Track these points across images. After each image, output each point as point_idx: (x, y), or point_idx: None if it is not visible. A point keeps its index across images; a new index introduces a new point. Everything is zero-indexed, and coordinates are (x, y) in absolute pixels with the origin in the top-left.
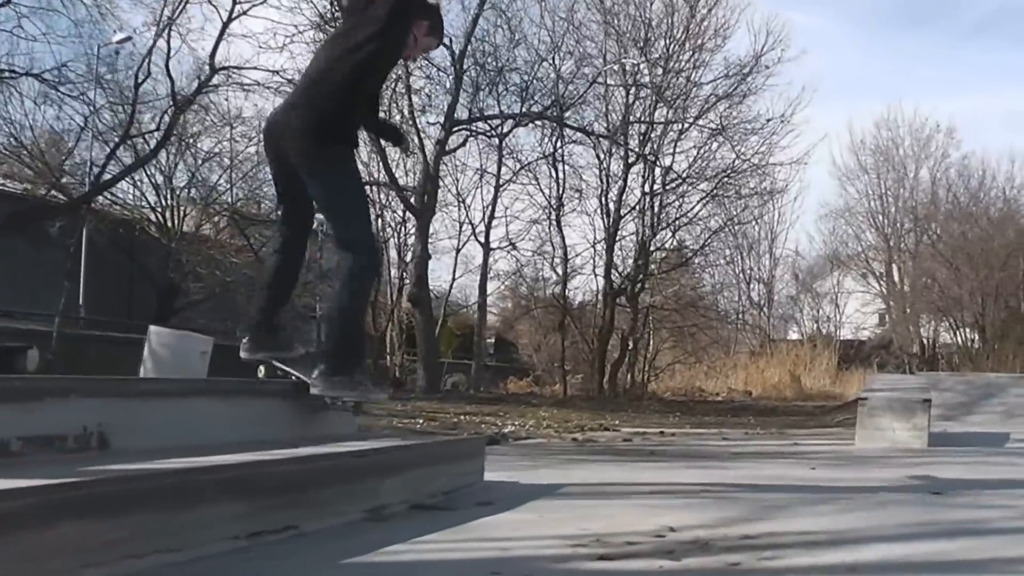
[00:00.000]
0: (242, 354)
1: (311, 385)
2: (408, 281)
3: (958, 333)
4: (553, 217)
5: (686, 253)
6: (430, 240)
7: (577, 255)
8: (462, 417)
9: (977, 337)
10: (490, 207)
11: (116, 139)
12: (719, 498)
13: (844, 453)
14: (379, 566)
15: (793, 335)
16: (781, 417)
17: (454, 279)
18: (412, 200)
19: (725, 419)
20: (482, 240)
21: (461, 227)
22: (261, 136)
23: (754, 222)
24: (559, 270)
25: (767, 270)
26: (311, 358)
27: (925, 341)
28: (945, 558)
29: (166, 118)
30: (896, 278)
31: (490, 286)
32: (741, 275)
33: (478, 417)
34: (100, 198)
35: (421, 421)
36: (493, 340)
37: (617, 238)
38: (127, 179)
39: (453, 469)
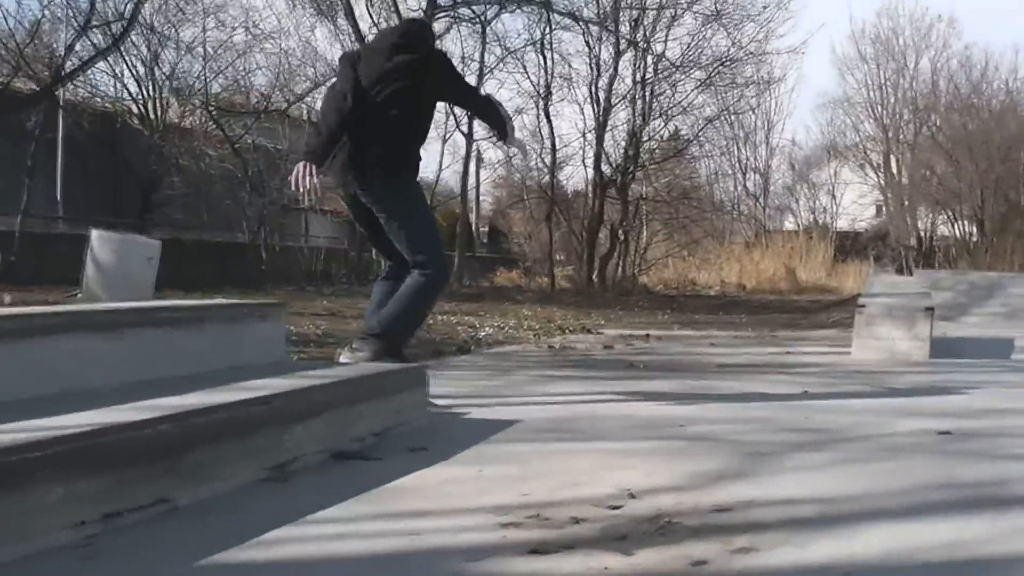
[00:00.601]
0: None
1: (342, 355)
2: None
3: (956, 226)
4: (541, 106)
5: (679, 143)
6: None
7: (566, 145)
8: (439, 317)
9: (975, 230)
10: None
11: (92, 27)
12: (694, 439)
13: (840, 366)
14: (242, 569)
15: (789, 225)
16: (774, 314)
17: (441, 169)
18: None
19: (716, 317)
20: (465, 131)
21: (447, 117)
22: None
23: (751, 112)
24: (547, 160)
25: (763, 160)
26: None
27: (922, 234)
28: (963, 553)
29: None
30: (894, 169)
31: (481, 175)
32: (737, 165)
33: (456, 317)
34: (81, 91)
35: None
36: (487, 229)
37: (608, 127)
38: (107, 71)
39: (387, 406)
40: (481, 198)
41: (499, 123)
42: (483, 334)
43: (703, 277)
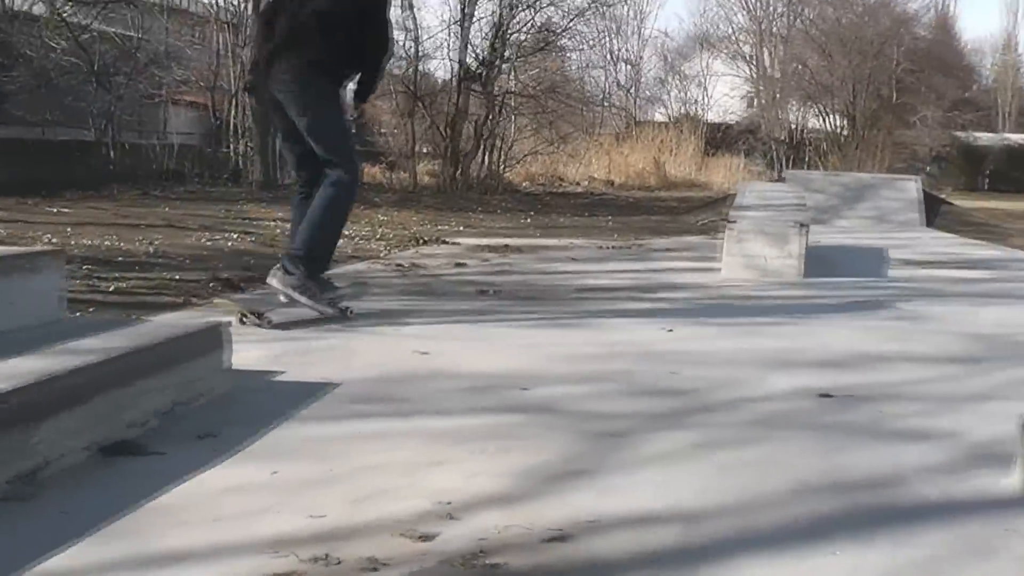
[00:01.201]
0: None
1: (270, 275)
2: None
3: (827, 121)
4: None
5: (548, 35)
6: None
7: (430, 37)
8: (288, 225)
9: (846, 125)
10: None
11: None
12: (536, 410)
13: (709, 289)
14: None
15: (660, 118)
16: (642, 216)
17: None
18: None
19: (581, 220)
20: None
21: None
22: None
23: (623, 2)
24: (410, 51)
25: (635, 51)
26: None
27: (793, 127)
28: None
29: None
30: (766, 62)
31: None
32: (608, 56)
33: None
34: None
35: (235, 236)
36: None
37: (474, 19)
38: None
39: (175, 378)
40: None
41: (370, 86)
42: None
43: (571, 172)
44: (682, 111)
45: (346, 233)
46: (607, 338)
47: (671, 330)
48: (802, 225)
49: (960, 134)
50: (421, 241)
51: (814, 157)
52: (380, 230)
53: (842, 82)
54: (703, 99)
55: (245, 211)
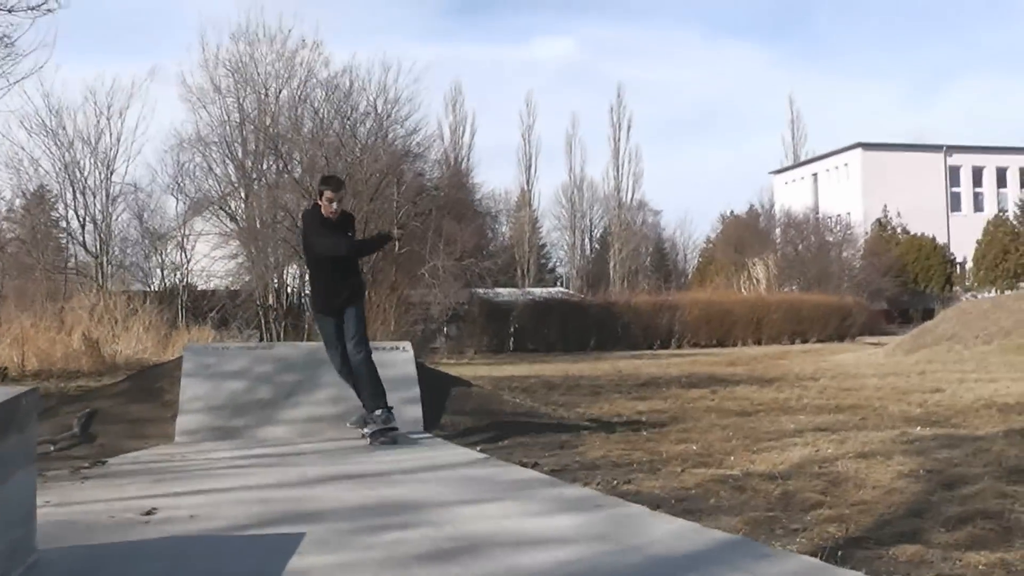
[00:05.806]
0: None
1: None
2: None
3: None
4: None
5: None
6: None
7: None
8: None
9: None
10: None
11: None
12: None
13: None
14: None
15: (143, 287)
16: None
17: None
18: None
19: None
20: None
21: None
22: None
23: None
24: None
25: (103, 210)
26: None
27: (289, 289)
28: None
29: None
30: (255, 214)
31: None
32: (73, 213)
33: None
34: None
35: None
36: None
37: None
38: None
39: None
40: None
41: (378, 246)
42: None
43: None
44: (163, 278)
45: None
46: None
47: None
48: None
49: (480, 290)
50: None
51: (312, 323)
52: None
53: None
54: (185, 262)
55: None
